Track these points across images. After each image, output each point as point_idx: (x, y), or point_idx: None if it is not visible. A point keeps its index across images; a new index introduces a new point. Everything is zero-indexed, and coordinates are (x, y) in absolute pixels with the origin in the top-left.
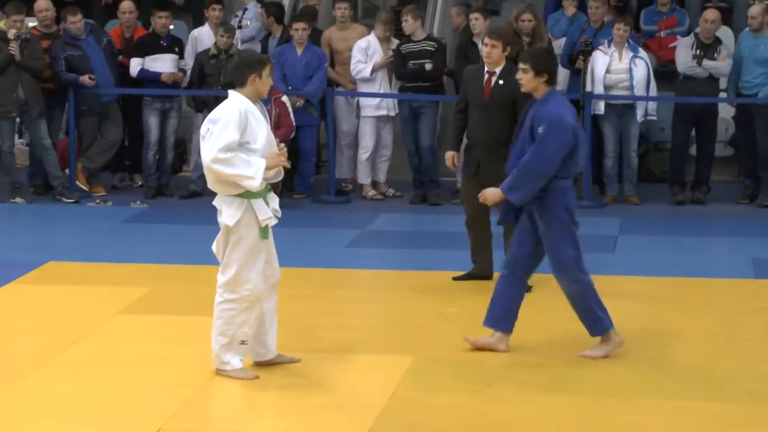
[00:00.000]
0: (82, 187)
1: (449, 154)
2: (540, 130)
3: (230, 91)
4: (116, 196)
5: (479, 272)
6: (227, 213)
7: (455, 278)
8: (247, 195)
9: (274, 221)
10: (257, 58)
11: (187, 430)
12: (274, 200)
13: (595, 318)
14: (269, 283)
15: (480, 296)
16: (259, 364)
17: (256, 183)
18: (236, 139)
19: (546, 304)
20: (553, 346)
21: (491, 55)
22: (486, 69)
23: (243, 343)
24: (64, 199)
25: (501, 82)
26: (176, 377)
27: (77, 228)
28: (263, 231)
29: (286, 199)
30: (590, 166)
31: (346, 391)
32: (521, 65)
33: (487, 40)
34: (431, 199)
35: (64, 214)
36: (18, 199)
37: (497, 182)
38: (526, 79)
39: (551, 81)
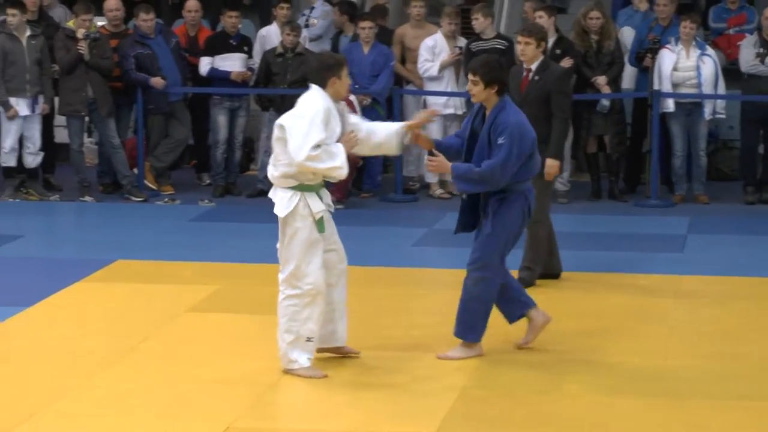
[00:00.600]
0: (151, 186)
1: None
2: (501, 140)
3: (313, 86)
4: (184, 194)
5: (546, 271)
6: (279, 204)
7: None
8: (300, 188)
9: (327, 215)
10: (335, 59)
11: (255, 428)
12: (327, 195)
13: (473, 325)
14: (336, 270)
15: (547, 294)
16: (323, 350)
17: (344, 170)
18: (324, 136)
19: (615, 305)
20: (620, 348)
21: (525, 52)
22: (524, 66)
23: (309, 340)
24: (133, 198)
25: (537, 78)
26: (244, 375)
27: (145, 226)
28: (318, 224)
29: (354, 198)
30: (659, 165)
31: (414, 390)
32: (471, 77)
33: (520, 38)
34: None
35: (132, 212)
36: (87, 198)
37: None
38: (477, 90)
39: (501, 91)
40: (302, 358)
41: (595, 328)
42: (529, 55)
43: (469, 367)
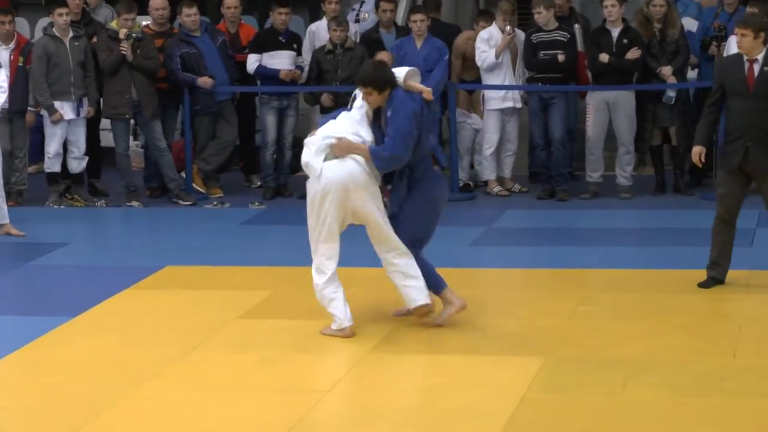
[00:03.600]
0: (199, 189)
1: (698, 149)
2: (389, 113)
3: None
4: (234, 197)
5: (720, 275)
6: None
7: (701, 284)
8: None
9: None
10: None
11: None
12: None
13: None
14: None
15: (614, 293)
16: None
17: None
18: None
19: (682, 302)
20: (688, 347)
21: (742, 44)
22: (746, 58)
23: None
24: (181, 202)
25: (766, 68)
26: (298, 383)
27: (194, 231)
28: None
29: None
30: None
31: (475, 394)
32: (363, 89)
33: (736, 29)
34: (559, 195)
35: (180, 217)
36: (134, 203)
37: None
38: (373, 99)
39: (392, 87)
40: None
41: (662, 327)
42: (746, 47)
43: (531, 369)
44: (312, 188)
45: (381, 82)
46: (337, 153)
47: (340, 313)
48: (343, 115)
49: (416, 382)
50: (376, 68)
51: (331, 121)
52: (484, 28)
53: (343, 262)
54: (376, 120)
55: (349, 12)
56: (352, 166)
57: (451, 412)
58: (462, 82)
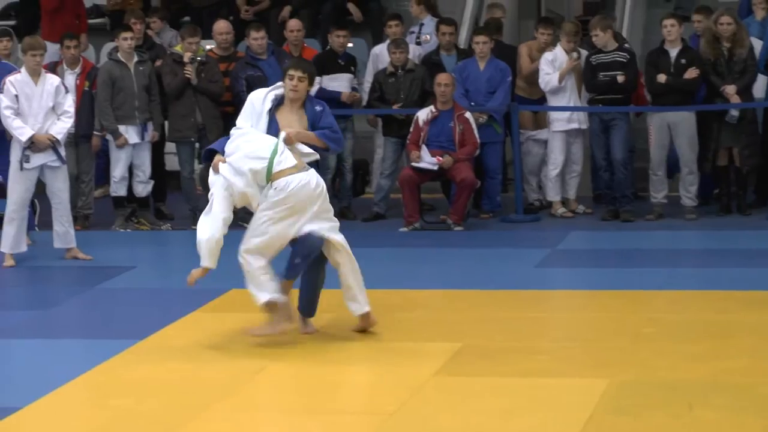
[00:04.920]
0: None
1: None
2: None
3: None
4: None
5: None
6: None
7: None
8: None
9: None
10: None
11: None
12: None
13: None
14: None
15: (679, 314)
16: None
17: None
18: None
19: (747, 324)
20: (754, 368)
21: None
22: None
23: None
24: (245, 225)
25: None
26: (363, 405)
27: None
28: None
29: (473, 219)
30: None
31: (541, 416)
32: (300, 74)
33: None
34: (623, 216)
35: None
36: None
37: None
38: (302, 86)
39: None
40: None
41: (728, 349)
42: None
43: (597, 391)
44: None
45: (314, 73)
46: (289, 144)
47: (276, 294)
48: (249, 131)
49: (481, 405)
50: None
51: (241, 139)
52: (543, 35)
53: (404, 284)
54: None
55: (407, 34)
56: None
57: None
58: (524, 100)
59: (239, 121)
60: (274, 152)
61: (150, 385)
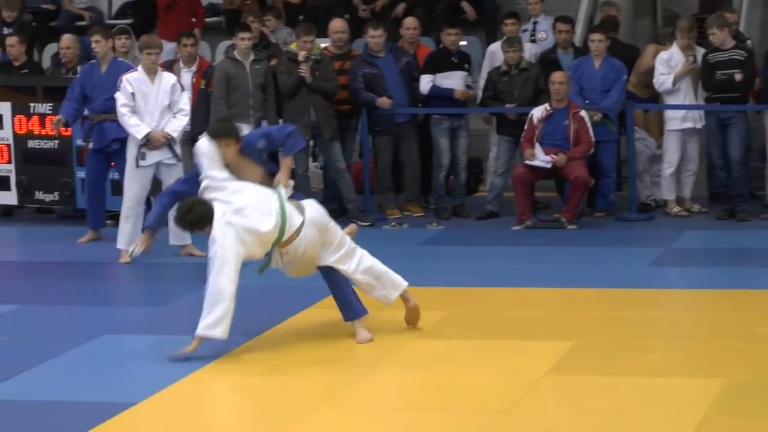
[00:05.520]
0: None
1: None
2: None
3: None
4: (412, 218)
5: None
6: None
7: None
8: None
9: None
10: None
11: None
12: None
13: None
14: None
15: None
16: None
17: None
18: None
19: None
20: None
21: None
22: None
23: None
24: (360, 223)
25: None
26: (475, 404)
27: (373, 252)
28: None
29: (587, 218)
30: None
31: (653, 416)
32: (225, 143)
33: None
34: (739, 215)
35: (359, 238)
36: None
37: None
38: (231, 151)
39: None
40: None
41: None
42: None
43: (711, 391)
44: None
45: (235, 134)
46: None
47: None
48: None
49: (593, 404)
50: (226, 121)
51: (235, 196)
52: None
53: (517, 282)
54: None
55: (520, 32)
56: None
57: None
58: (636, 99)
59: (210, 171)
60: (283, 215)
61: (259, 383)
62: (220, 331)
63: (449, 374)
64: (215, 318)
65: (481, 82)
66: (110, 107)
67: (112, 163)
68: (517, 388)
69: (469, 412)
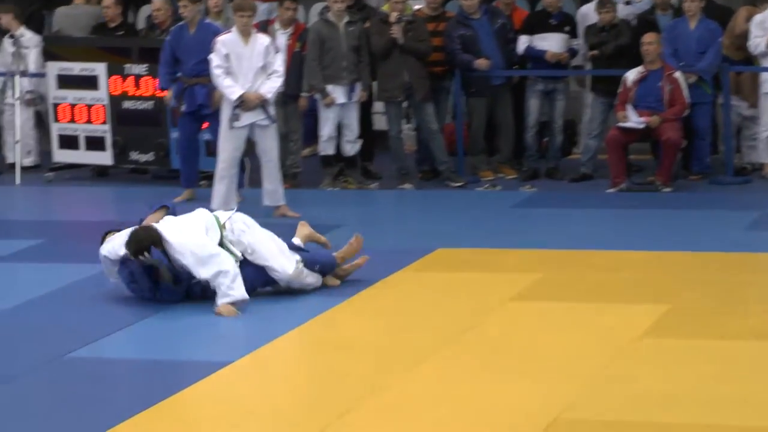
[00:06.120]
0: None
1: None
2: None
3: None
4: (505, 180)
5: None
6: None
7: None
8: None
9: None
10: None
11: (584, 420)
12: None
13: None
14: None
15: None
16: None
17: None
18: None
19: None
20: None
21: None
22: None
23: None
24: (452, 184)
25: None
26: (568, 367)
27: (466, 214)
28: None
29: (682, 181)
30: None
31: (751, 381)
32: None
33: None
34: None
35: (452, 199)
36: (406, 185)
37: None
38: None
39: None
40: None
41: None
42: None
43: None
44: None
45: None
46: None
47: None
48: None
49: (689, 368)
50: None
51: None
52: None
53: (611, 245)
54: None
55: None
56: None
57: (727, 397)
58: (730, 61)
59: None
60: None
61: (356, 343)
62: (239, 293)
63: (542, 337)
64: (225, 287)
65: (575, 44)
66: (200, 71)
67: (206, 124)
68: (612, 351)
69: (561, 375)
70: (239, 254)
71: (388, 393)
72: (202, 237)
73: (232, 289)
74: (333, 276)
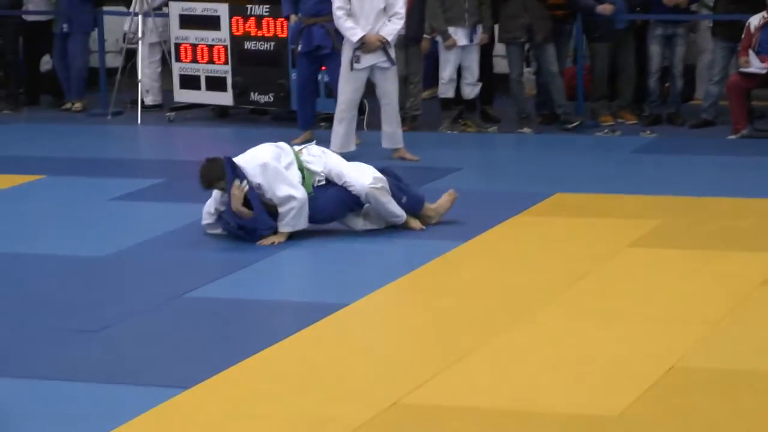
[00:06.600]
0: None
1: None
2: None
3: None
4: (625, 125)
5: None
6: None
7: None
8: None
9: None
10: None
11: (701, 368)
12: None
13: None
14: None
15: None
16: None
17: None
18: None
19: None
20: None
21: None
22: None
23: None
24: (568, 126)
25: None
26: (685, 314)
27: (585, 158)
28: None
29: None
30: None
31: None
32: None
33: None
34: None
35: (571, 144)
36: (525, 130)
37: None
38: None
39: None
40: None
41: None
42: None
43: None
44: None
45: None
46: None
47: None
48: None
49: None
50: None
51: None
52: None
53: (732, 192)
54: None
55: None
56: None
57: None
58: None
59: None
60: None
61: (472, 287)
62: (303, 223)
63: (660, 283)
64: (290, 217)
65: None
66: (320, 10)
67: (324, 67)
68: (730, 299)
69: (679, 323)
70: (321, 173)
71: (505, 336)
72: (275, 153)
73: (299, 219)
74: (417, 218)
